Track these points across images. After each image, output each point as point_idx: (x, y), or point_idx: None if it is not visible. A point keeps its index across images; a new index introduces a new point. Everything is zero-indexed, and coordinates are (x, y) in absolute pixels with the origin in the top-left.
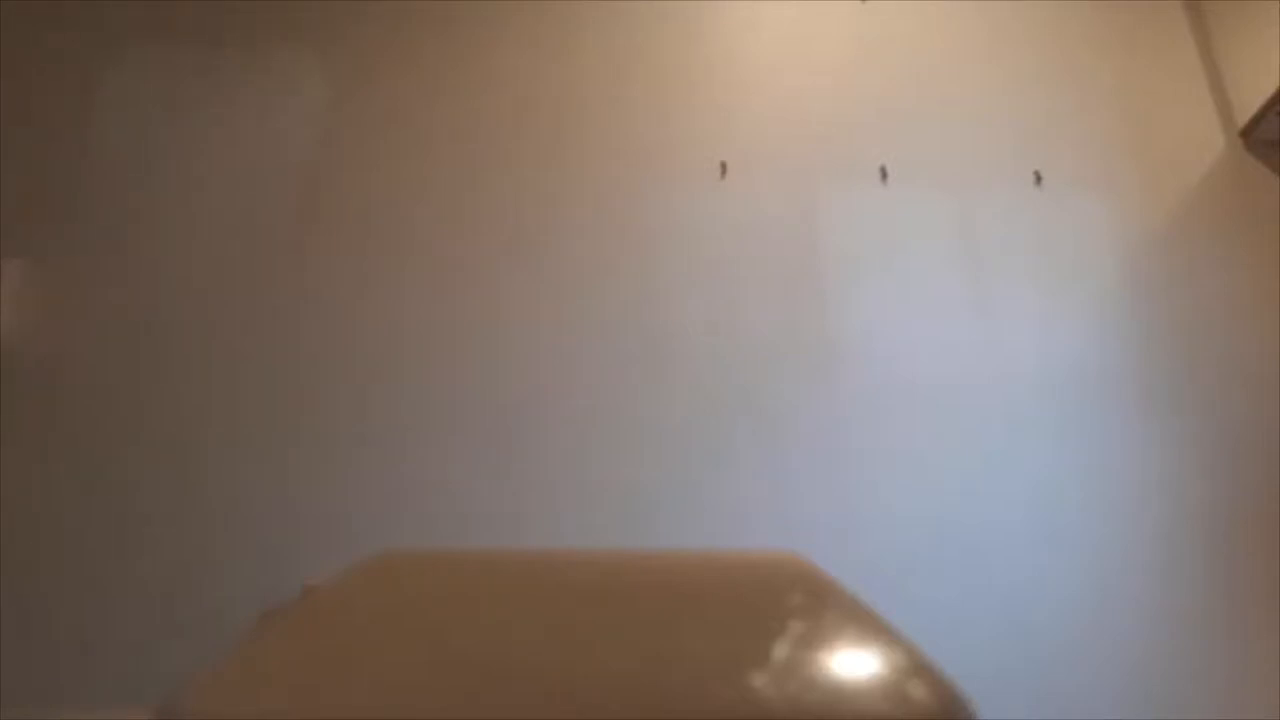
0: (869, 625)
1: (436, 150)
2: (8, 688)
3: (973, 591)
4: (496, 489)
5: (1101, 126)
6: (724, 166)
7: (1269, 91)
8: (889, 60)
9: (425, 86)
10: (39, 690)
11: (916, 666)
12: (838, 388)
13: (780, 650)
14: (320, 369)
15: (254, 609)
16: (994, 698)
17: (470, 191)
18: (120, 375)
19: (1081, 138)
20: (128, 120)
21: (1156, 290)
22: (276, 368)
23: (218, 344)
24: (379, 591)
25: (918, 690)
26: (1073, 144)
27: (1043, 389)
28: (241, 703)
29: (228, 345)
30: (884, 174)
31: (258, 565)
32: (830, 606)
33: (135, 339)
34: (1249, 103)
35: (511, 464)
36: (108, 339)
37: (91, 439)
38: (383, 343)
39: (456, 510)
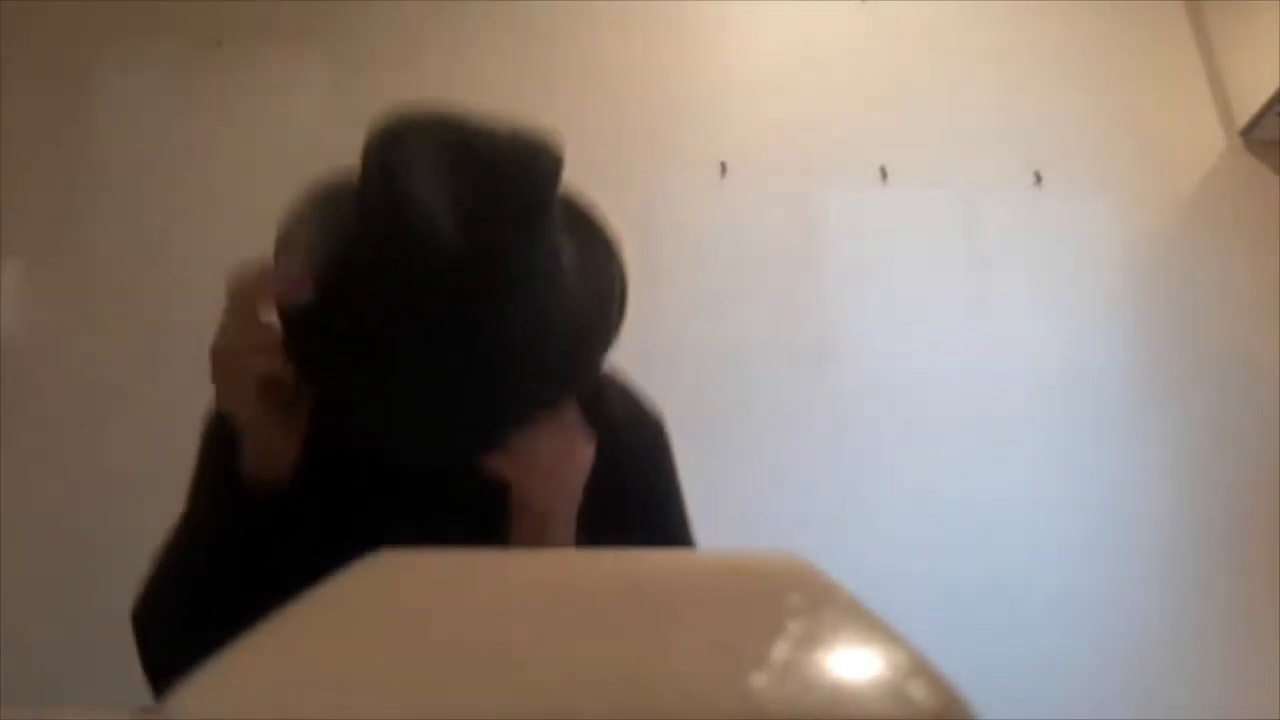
0: (869, 626)
1: None
2: (8, 688)
3: (972, 591)
4: None
5: (1101, 126)
6: (724, 166)
7: (1269, 91)
8: (889, 60)
9: (426, 86)
10: (39, 690)
11: (916, 667)
12: (837, 387)
13: (780, 651)
14: None
15: None
16: (993, 698)
17: None
18: (121, 375)
19: (1081, 138)
20: (128, 120)
21: (1156, 290)
22: None
23: None
24: (377, 591)
25: (918, 690)
26: (1073, 144)
27: (1042, 388)
28: (240, 703)
29: None
30: (884, 174)
31: None
32: (830, 607)
33: (135, 338)
34: (1249, 103)
35: None
36: (108, 338)
37: (92, 439)
38: None
39: None
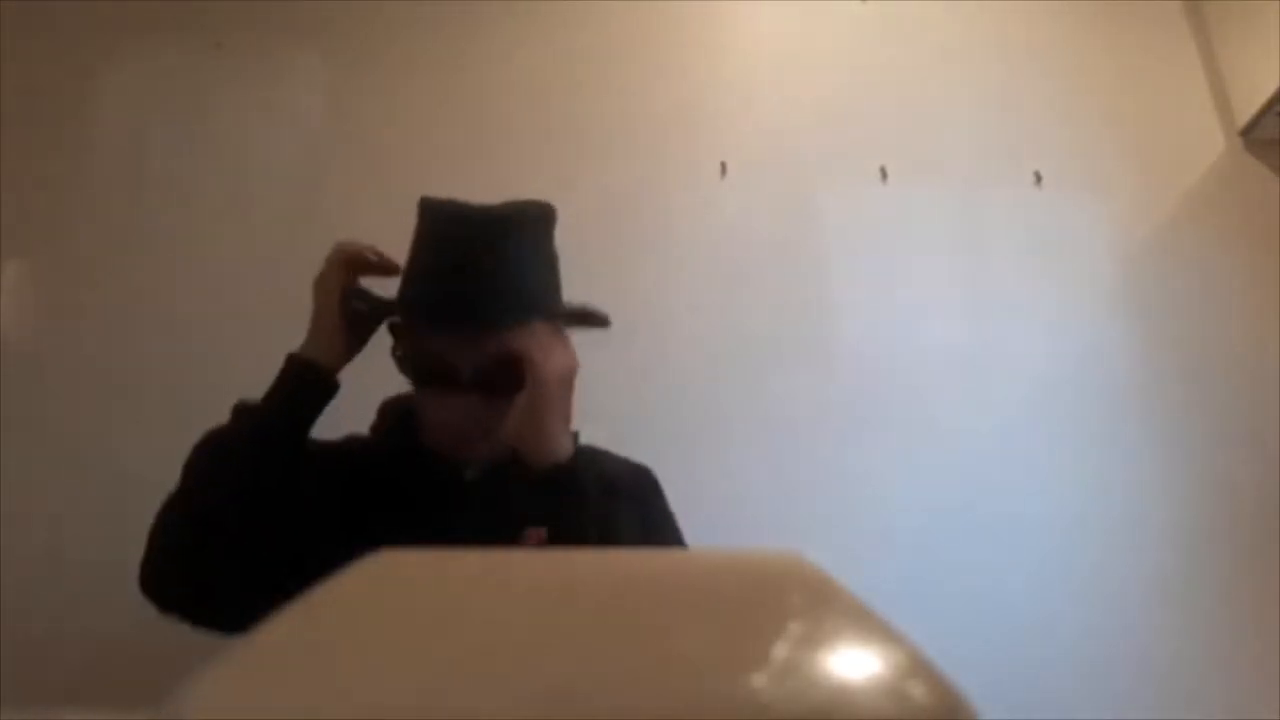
0: (869, 625)
1: (435, 149)
2: (8, 688)
3: (972, 590)
4: None
5: (1101, 126)
6: (724, 166)
7: (1269, 91)
8: (889, 60)
9: (425, 86)
10: (39, 690)
11: (916, 667)
12: (837, 387)
13: (780, 650)
14: None
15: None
16: (994, 697)
17: (468, 192)
18: (121, 375)
19: (1081, 138)
20: (128, 120)
21: (1156, 290)
22: (278, 366)
23: (219, 344)
24: (378, 591)
25: (918, 690)
26: (1073, 144)
27: (1042, 388)
28: (241, 704)
29: (229, 345)
30: (884, 174)
31: None
32: (831, 606)
33: (136, 338)
34: (1249, 103)
35: None
36: (108, 339)
37: (92, 440)
38: (384, 342)
39: None
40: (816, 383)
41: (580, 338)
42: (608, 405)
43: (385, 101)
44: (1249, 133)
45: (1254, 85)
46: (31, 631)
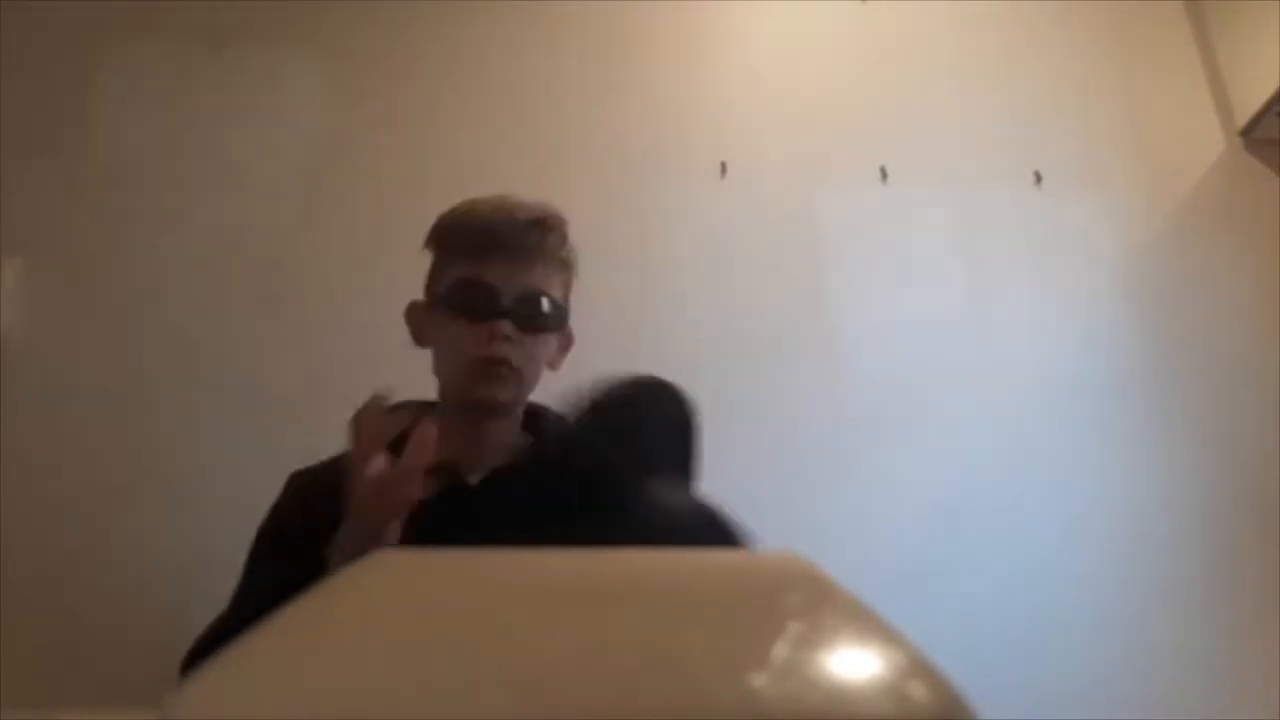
0: (869, 625)
1: (435, 150)
2: (8, 688)
3: (972, 591)
4: None
5: (1101, 126)
6: (724, 166)
7: (1269, 91)
8: (889, 60)
9: (424, 87)
10: (39, 690)
11: (916, 667)
12: (837, 387)
13: (780, 650)
14: (320, 369)
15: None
16: (993, 697)
17: (469, 192)
18: (121, 375)
19: (1081, 138)
20: (128, 120)
21: (1156, 290)
22: (277, 368)
23: (219, 344)
24: (378, 591)
25: (918, 690)
26: (1073, 144)
27: (1042, 389)
28: (240, 703)
29: (228, 345)
30: (884, 174)
31: None
32: (830, 606)
33: (136, 339)
34: (1249, 103)
35: None
36: (107, 339)
37: (92, 440)
38: (382, 344)
39: None
40: (817, 383)
41: (581, 339)
42: None
43: (385, 103)
44: (1249, 133)
45: (1254, 85)
46: (31, 631)
